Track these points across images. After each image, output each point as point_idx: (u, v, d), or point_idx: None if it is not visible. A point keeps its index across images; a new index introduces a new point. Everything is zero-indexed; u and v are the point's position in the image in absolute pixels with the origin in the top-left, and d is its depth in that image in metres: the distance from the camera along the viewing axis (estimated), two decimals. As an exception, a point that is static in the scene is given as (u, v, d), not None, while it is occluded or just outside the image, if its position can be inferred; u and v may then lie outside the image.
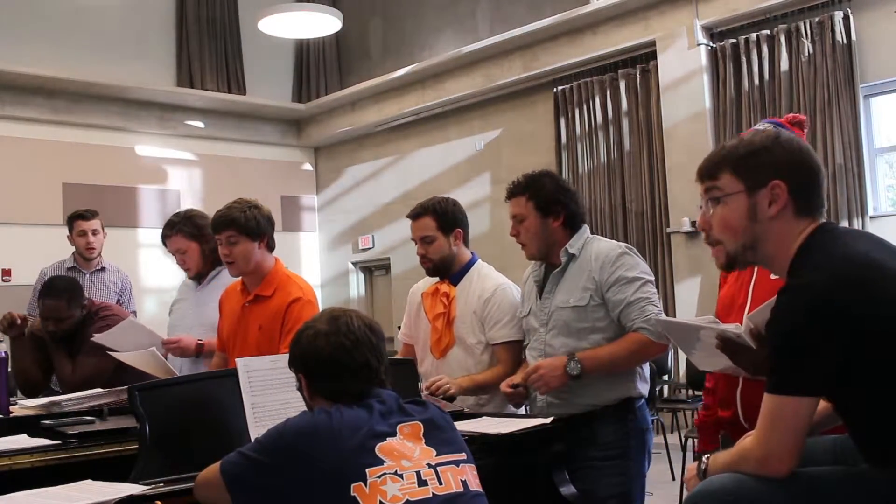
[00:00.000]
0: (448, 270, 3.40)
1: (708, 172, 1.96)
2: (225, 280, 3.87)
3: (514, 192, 3.05)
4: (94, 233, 5.20)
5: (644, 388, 2.98)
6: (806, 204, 1.87)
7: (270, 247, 3.48)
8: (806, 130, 2.67)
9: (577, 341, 2.89)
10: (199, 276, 3.98)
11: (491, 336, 3.29)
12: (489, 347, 3.31)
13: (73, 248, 5.30)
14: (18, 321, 4.12)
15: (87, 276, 5.18)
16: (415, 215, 3.43)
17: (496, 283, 3.36)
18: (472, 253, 3.48)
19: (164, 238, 3.98)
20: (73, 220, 5.23)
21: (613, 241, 3.01)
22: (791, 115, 2.71)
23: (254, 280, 3.45)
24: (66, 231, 5.41)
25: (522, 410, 3.24)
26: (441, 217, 3.38)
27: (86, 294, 4.41)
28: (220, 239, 3.44)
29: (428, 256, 3.39)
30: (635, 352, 2.84)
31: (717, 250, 1.97)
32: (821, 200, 1.90)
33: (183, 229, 3.90)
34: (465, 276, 3.41)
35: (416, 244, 3.43)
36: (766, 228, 1.88)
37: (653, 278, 2.94)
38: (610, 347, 2.85)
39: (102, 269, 5.28)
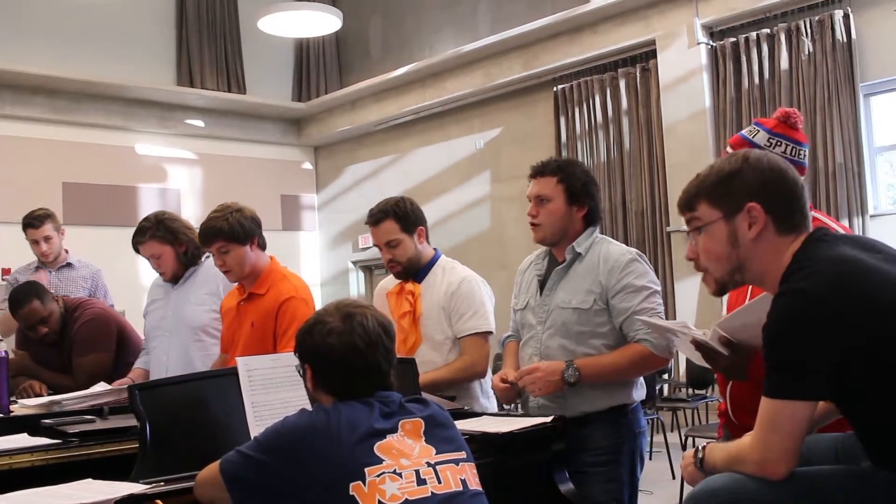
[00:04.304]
0: (416, 270, 3.36)
1: (686, 204, 1.98)
2: (201, 278, 3.87)
3: (544, 171, 2.91)
4: (47, 239, 5.04)
5: (639, 395, 2.90)
6: (786, 220, 1.87)
7: (262, 245, 3.45)
8: (801, 125, 2.64)
9: (576, 345, 2.81)
10: (174, 278, 3.94)
11: (457, 329, 3.25)
12: (457, 343, 3.27)
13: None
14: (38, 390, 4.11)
15: (53, 273, 5.08)
16: (375, 221, 3.33)
17: (462, 276, 3.32)
18: (434, 249, 3.45)
19: (137, 244, 3.91)
20: (24, 227, 5.09)
21: (624, 246, 2.91)
22: (781, 111, 2.68)
23: (250, 280, 3.45)
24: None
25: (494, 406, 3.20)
26: (403, 218, 3.31)
27: (54, 291, 4.37)
28: (210, 251, 3.42)
29: (396, 260, 3.33)
30: (636, 363, 2.75)
31: (706, 278, 1.99)
32: (802, 214, 1.89)
33: (156, 234, 3.84)
34: (429, 272, 3.37)
35: (380, 250, 3.37)
36: (750, 251, 1.89)
37: (660, 288, 2.85)
38: (611, 357, 2.77)
39: (69, 265, 5.16)
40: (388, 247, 3.33)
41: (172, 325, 3.85)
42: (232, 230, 3.33)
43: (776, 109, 2.71)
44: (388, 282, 3.53)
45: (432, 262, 3.39)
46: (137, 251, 3.92)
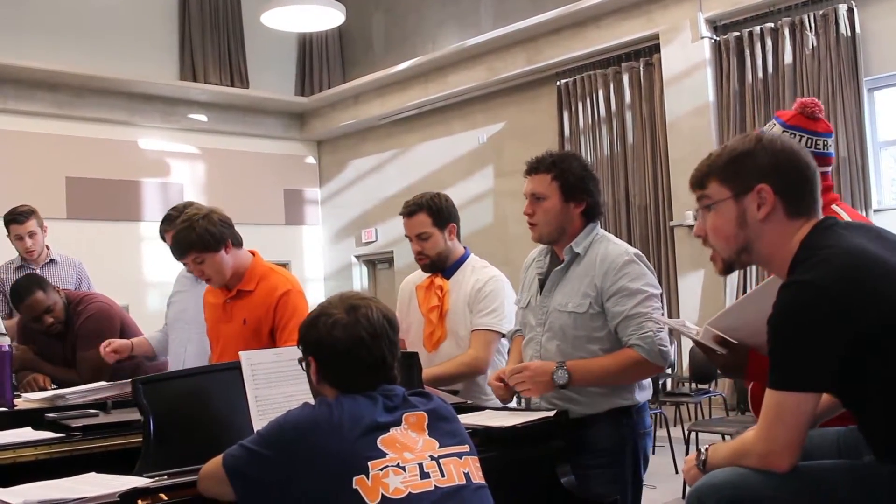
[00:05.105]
0: (444, 265, 3.39)
1: (697, 182, 1.98)
2: None
3: (539, 168, 2.81)
4: (31, 234, 4.96)
5: (643, 396, 2.83)
6: (796, 204, 1.87)
7: (237, 244, 3.37)
8: (820, 114, 2.60)
9: (573, 349, 2.73)
10: None
11: (472, 322, 3.27)
12: None
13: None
14: (42, 383, 4.11)
15: (38, 270, 4.99)
16: (409, 212, 3.36)
17: (490, 275, 3.34)
18: (464, 248, 3.47)
19: (164, 233, 3.92)
20: (7, 223, 5.02)
21: (623, 246, 2.80)
22: (799, 102, 2.63)
23: (234, 279, 3.39)
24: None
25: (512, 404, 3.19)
26: (436, 213, 3.33)
27: None
28: (186, 263, 3.39)
29: (425, 253, 3.36)
30: (628, 367, 2.67)
31: (714, 256, 1.99)
32: (813, 198, 1.88)
33: None
34: (458, 269, 3.39)
35: (410, 241, 3.40)
36: (757, 232, 1.88)
37: (658, 291, 2.74)
38: (602, 361, 2.69)
39: (52, 261, 5.10)
40: (418, 239, 3.36)
41: (192, 318, 3.85)
42: (202, 240, 3.26)
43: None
44: (417, 276, 3.54)
45: (462, 259, 3.42)
46: (164, 240, 3.93)
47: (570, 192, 2.79)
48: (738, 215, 1.89)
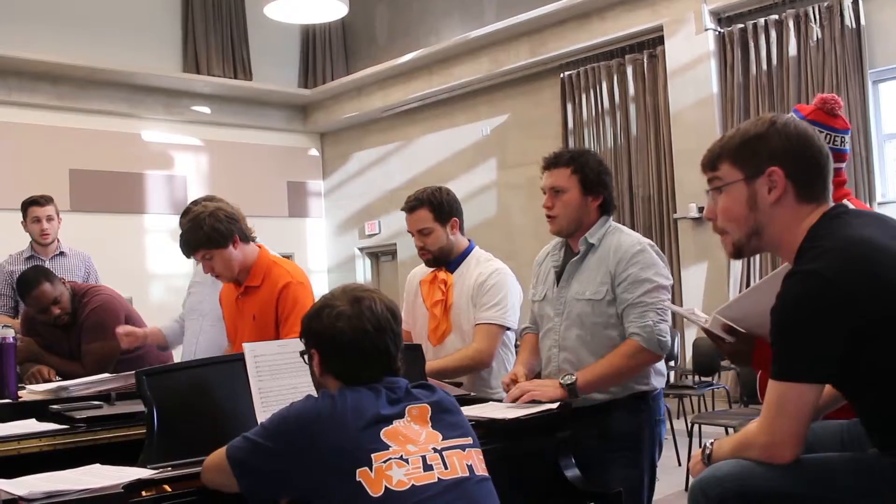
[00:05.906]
0: (447, 260, 3.40)
1: (709, 163, 1.97)
2: None
3: (558, 162, 2.91)
4: (49, 219, 5.05)
5: (658, 381, 2.90)
6: (807, 189, 1.86)
7: (244, 238, 3.40)
8: (839, 110, 2.59)
9: (592, 336, 2.83)
10: None
11: (476, 316, 3.28)
12: None
13: (29, 237, 5.15)
14: (47, 375, 4.12)
15: (47, 262, 5.03)
16: (410, 208, 3.39)
17: (493, 268, 3.35)
18: (468, 240, 3.47)
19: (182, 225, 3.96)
20: (27, 206, 5.08)
21: (635, 236, 2.90)
22: (819, 97, 2.62)
23: (242, 274, 3.44)
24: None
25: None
26: (437, 208, 3.34)
27: None
28: (195, 258, 3.43)
29: (427, 248, 3.38)
30: (630, 358, 2.75)
31: (725, 239, 1.99)
32: (824, 184, 1.88)
33: None
34: (462, 262, 3.40)
35: (413, 237, 3.42)
36: (767, 215, 1.88)
37: (669, 282, 2.83)
38: (604, 360, 2.78)
39: (62, 253, 5.14)
40: (420, 234, 3.38)
41: (207, 310, 3.87)
42: (209, 238, 3.32)
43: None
44: (421, 270, 3.55)
45: (465, 252, 3.43)
46: None
47: (589, 186, 2.88)
48: (749, 198, 1.89)
